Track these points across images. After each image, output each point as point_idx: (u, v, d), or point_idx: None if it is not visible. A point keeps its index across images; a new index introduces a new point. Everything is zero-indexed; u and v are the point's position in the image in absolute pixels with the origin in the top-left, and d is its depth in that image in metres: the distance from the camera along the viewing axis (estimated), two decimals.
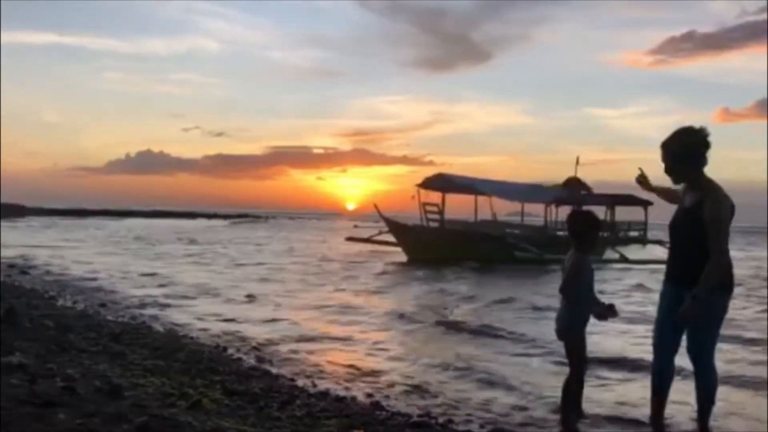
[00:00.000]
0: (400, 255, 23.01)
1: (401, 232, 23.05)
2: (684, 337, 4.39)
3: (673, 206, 4.52)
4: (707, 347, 4.28)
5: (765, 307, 11.46)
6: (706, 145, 4.20)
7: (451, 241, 21.78)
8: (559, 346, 4.89)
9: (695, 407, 4.46)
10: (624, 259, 23.03)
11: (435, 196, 24.36)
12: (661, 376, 4.44)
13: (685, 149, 4.20)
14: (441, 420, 4.70)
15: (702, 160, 4.21)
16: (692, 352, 4.30)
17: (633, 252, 28.10)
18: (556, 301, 4.71)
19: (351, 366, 6.53)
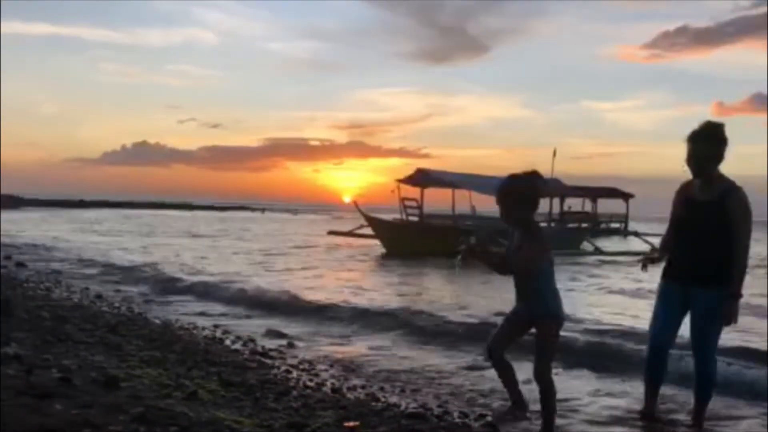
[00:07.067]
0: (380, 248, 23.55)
1: (379, 227, 23.73)
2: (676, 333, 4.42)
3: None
4: (713, 344, 4.30)
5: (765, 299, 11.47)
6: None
7: (427, 236, 22.12)
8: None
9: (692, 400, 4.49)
10: (599, 252, 24.18)
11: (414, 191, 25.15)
12: (658, 370, 4.46)
13: (720, 141, 4.19)
14: (437, 411, 4.71)
15: (724, 154, 4.21)
16: (697, 349, 4.31)
17: (614, 244, 29.54)
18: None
19: (346, 358, 6.54)
